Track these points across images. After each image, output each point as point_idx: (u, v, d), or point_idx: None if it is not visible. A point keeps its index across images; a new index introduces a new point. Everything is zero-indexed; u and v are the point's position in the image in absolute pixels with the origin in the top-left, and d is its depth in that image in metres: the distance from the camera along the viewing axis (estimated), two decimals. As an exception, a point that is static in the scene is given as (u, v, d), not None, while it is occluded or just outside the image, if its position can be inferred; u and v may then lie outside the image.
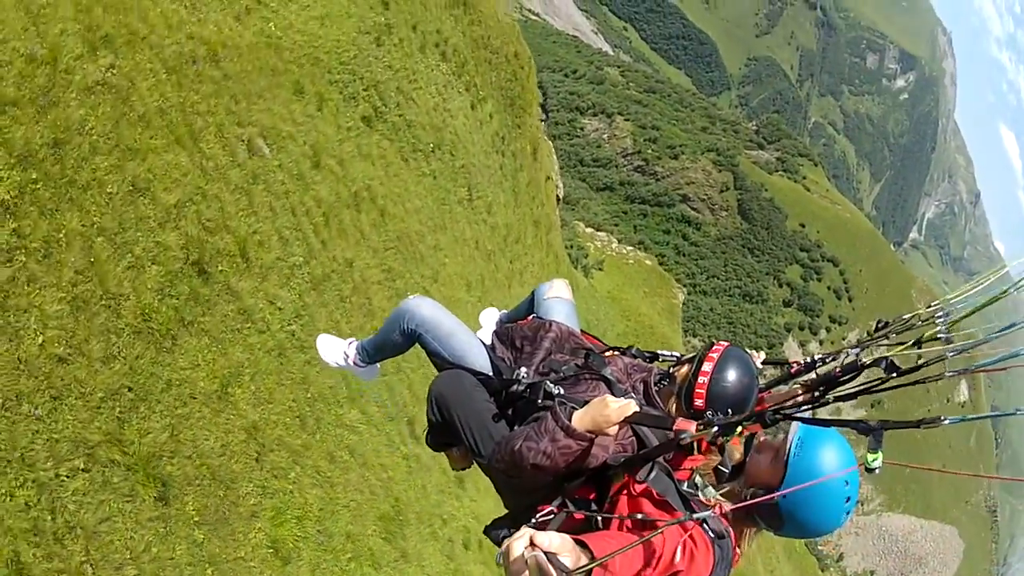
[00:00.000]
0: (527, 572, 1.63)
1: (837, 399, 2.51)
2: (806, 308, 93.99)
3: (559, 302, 3.55)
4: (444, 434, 3.29)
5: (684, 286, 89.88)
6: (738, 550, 2.47)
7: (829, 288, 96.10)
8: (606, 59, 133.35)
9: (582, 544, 1.79)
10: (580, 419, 2.52)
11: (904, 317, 2.91)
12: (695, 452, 2.58)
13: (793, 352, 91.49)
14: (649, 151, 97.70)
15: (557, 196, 35.66)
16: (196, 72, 8.53)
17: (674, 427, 2.36)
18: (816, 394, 2.86)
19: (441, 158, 17.05)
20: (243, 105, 9.42)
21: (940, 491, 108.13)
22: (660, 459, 2.53)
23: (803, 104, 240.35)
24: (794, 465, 2.41)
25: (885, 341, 2.88)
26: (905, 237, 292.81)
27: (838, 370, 2.67)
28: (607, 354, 3.23)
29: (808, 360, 3.23)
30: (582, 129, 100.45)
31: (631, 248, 66.43)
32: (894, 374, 2.30)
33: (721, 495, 2.54)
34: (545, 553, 1.63)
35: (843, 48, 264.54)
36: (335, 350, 4.00)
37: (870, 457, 1.94)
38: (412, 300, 3.41)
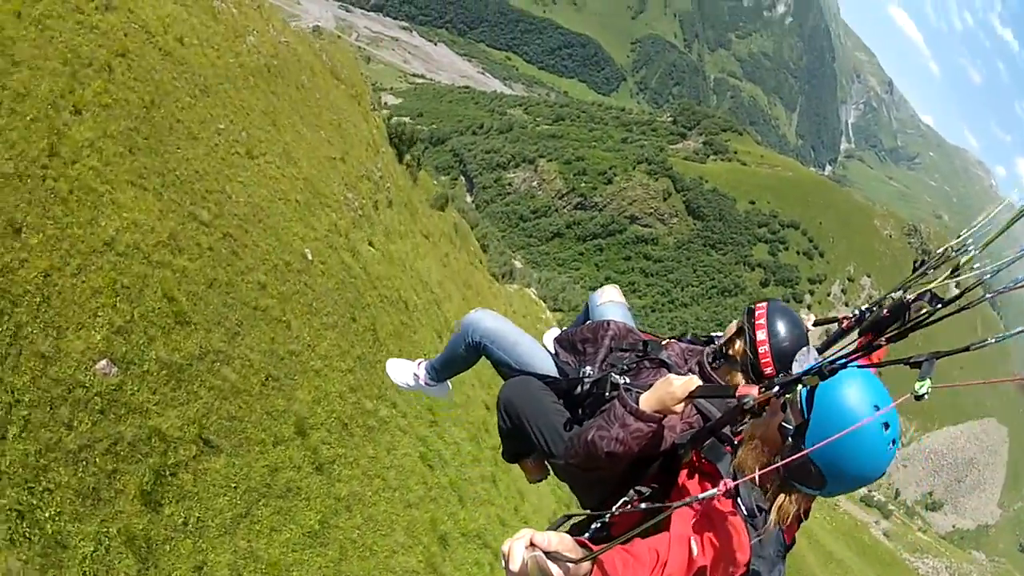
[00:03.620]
0: (528, 572, 1.64)
1: (890, 340, 2.32)
2: (784, 281, 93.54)
3: (612, 306, 3.58)
4: (516, 441, 3.28)
5: (663, 305, 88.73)
6: (783, 524, 2.27)
7: (798, 253, 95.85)
8: (504, 100, 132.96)
9: (583, 543, 1.81)
10: (647, 400, 2.54)
11: (938, 252, 2.98)
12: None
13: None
14: (582, 184, 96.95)
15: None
16: None
17: (736, 393, 2.33)
18: (870, 338, 2.78)
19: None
20: None
21: (966, 391, 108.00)
22: (727, 432, 2.51)
23: (698, 66, 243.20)
24: (811, 413, 2.13)
25: (925, 278, 2.95)
26: (838, 151, 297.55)
27: (886, 313, 2.55)
28: (664, 342, 3.28)
29: (857, 313, 3.24)
30: (510, 184, 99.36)
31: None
32: (939, 304, 2.21)
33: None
34: (545, 553, 1.64)
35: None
36: (405, 372, 4.00)
37: (918, 384, 1.84)
38: (474, 314, 3.43)
